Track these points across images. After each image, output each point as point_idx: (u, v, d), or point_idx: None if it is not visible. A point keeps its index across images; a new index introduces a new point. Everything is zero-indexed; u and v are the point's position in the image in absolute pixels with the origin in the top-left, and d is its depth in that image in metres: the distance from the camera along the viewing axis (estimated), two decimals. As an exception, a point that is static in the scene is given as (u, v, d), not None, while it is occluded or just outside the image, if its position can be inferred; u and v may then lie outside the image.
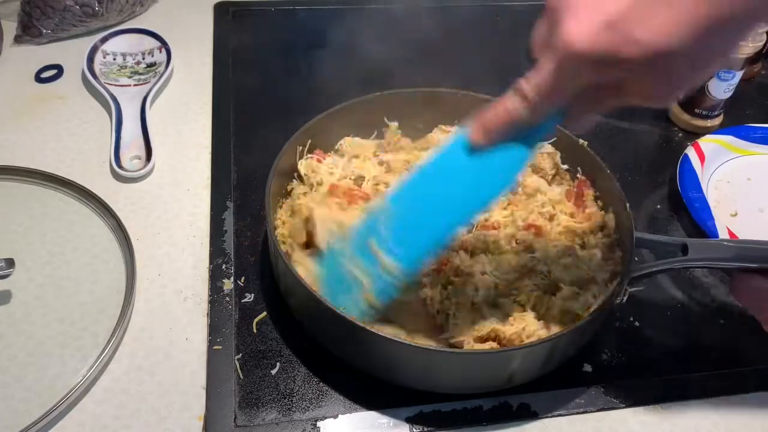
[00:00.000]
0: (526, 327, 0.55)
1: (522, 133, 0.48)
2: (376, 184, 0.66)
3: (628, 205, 0.61)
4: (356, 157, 0.69)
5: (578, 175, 0.69)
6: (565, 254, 0.61)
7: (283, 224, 0.64)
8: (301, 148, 0.67)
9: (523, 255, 0.61)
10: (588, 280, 0.59)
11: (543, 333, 0.55)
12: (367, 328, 0.51)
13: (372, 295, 0.54)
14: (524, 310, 0.57)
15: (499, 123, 0.47)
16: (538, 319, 0.57)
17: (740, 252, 0.56)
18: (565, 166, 0.70)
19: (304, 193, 0.65)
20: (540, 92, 0.43)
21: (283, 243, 0.61)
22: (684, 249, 0.58)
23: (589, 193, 0.67)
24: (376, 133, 0.73)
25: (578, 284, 0.59)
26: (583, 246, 0.64)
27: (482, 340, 0.56)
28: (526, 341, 0.54)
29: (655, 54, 0.37)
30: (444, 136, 0.72)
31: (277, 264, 0.60)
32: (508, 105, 0.46)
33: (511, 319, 0.56)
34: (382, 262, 0.53)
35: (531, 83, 0.43)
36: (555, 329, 0.56)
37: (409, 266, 0.53)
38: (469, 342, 0.55)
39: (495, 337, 0.56)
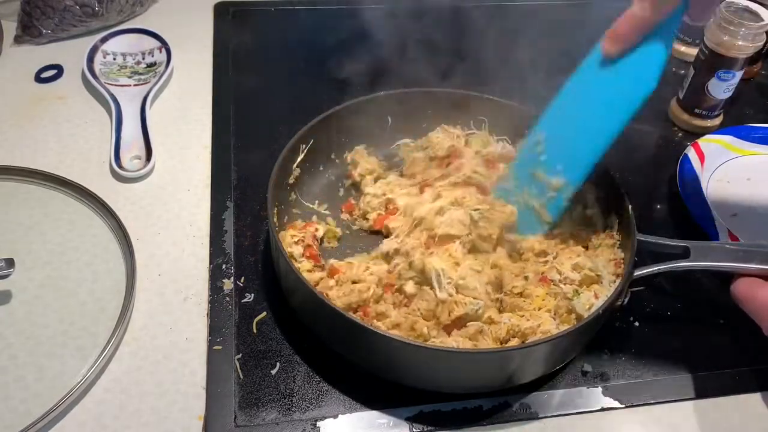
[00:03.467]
0: (541, 324, 0.55)
1: (653, 34, 0.53)
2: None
3: (630, 207, 0.61)
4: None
5: None
6: (570, 256, 0.61)
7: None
8: (303, 146, 0.67)
9: (533, 262, 0.62)
10: (591, 281, 0.59)
11: (556, 331, 0.55)
12: (368, 326, 0.52)
13: (545, 212, 0.63)
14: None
15: (628, 28, 0.52)
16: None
17: (742, 255, 0.57)
18: None
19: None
20: None
21: (284, 241, 0.62)
22: (686, 252, 0.58)
23: (591, 194, 0.67)
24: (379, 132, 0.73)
25: (581, 285, 0.59)
26: (586, 248, 0.64)
27: (504, 341, 0.56)
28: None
29: None
30: (445, 135, 0.72)
31: (278, 262, 0.60)
32: (635, 10, 0.50)
33: (527, 314, 0.57)
34: (549, 184, 0.62)
35: None
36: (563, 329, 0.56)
37: (573, 178, 0.61)
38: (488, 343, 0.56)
39: (514, 336, 0.56)
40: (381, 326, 0.56)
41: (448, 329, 0.57)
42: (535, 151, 0.63)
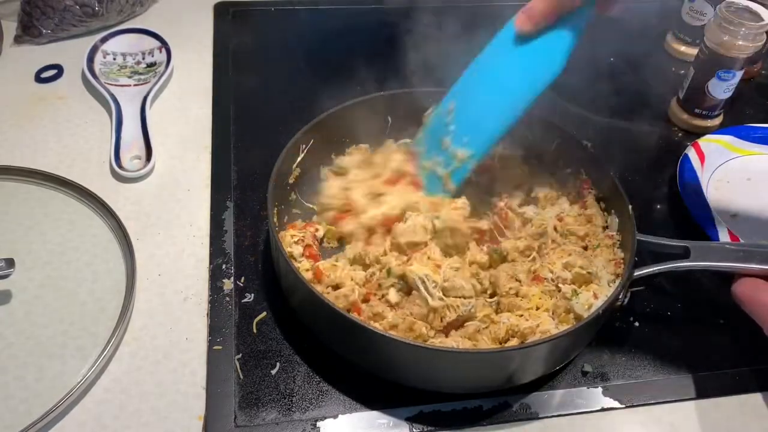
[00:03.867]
0: (540, 324, 0.55)
1: (566, 19, 0.55)
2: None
3: (630, 207, 0.61)
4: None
5: (581, 176, 0.69)
6: (561, 255, 0.61)
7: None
8: (303, 146, 0.67)
9: (521, 262, 0.62)
10: (583, 280, 0.59)
11: (555, 331, 0.55)
12: (368, 326, 0.52)
13: (450, 181, 0.64)
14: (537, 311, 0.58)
15: (543, 9, 0.53)
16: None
17: (742, 255, 0.57)
18: (568, 169, 0.70)
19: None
20: None
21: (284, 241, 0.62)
22: (686, 252, 0.58)
23: (591, 194, 0.67)
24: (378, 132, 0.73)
25: (580, 285, 0.59)
26: (585, 248, 0.64)
27: (503, 341, 0.56)
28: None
29: None
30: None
31: (278, 262, 0.60)
32: None
33: (526, 314, 0.57)
34: (455, 154, 0.63)
35: None
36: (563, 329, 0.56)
37: (478, 151, 0.62)
38: (487, 343, 0.56)
39: (513, 336, 0.56)
40: (378, 327, 0.56)
41: (446, 330, 0.57)
42: (445, 119, 0.65)
